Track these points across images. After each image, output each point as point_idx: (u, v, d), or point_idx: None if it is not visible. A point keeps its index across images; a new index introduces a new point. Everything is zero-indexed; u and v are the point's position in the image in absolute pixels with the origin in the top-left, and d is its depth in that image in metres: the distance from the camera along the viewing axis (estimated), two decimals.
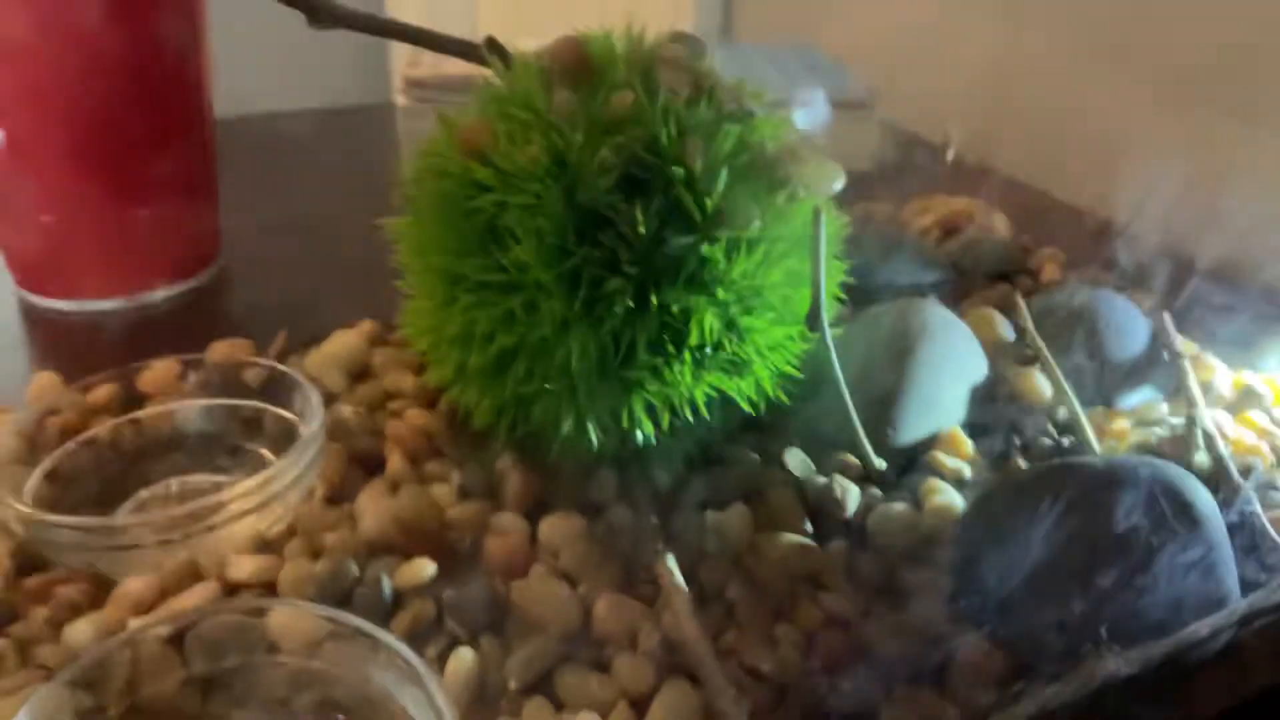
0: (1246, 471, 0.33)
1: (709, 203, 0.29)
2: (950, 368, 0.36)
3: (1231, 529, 0.29)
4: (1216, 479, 0.32)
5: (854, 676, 0.26)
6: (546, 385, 0.29)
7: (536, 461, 0.32)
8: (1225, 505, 0.31)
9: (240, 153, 0.55)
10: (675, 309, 0.29)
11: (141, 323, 0.45)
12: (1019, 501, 0.29)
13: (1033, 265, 0.47)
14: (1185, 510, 0.26)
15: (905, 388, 0.34)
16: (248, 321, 0.44)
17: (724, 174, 0.29)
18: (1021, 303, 0.40)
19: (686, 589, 0.28)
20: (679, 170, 0.29)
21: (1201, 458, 0.33)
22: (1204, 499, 0.27)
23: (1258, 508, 0.31)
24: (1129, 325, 0.40)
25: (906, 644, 0.27)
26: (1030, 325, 0.39)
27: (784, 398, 0.32)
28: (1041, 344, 0.38)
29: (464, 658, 0.26)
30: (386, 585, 0.28)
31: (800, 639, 0.27)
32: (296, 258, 0.52)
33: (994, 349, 0.38)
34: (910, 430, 0.34)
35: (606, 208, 0.29)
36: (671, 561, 0.29)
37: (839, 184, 0.32)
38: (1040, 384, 0.36)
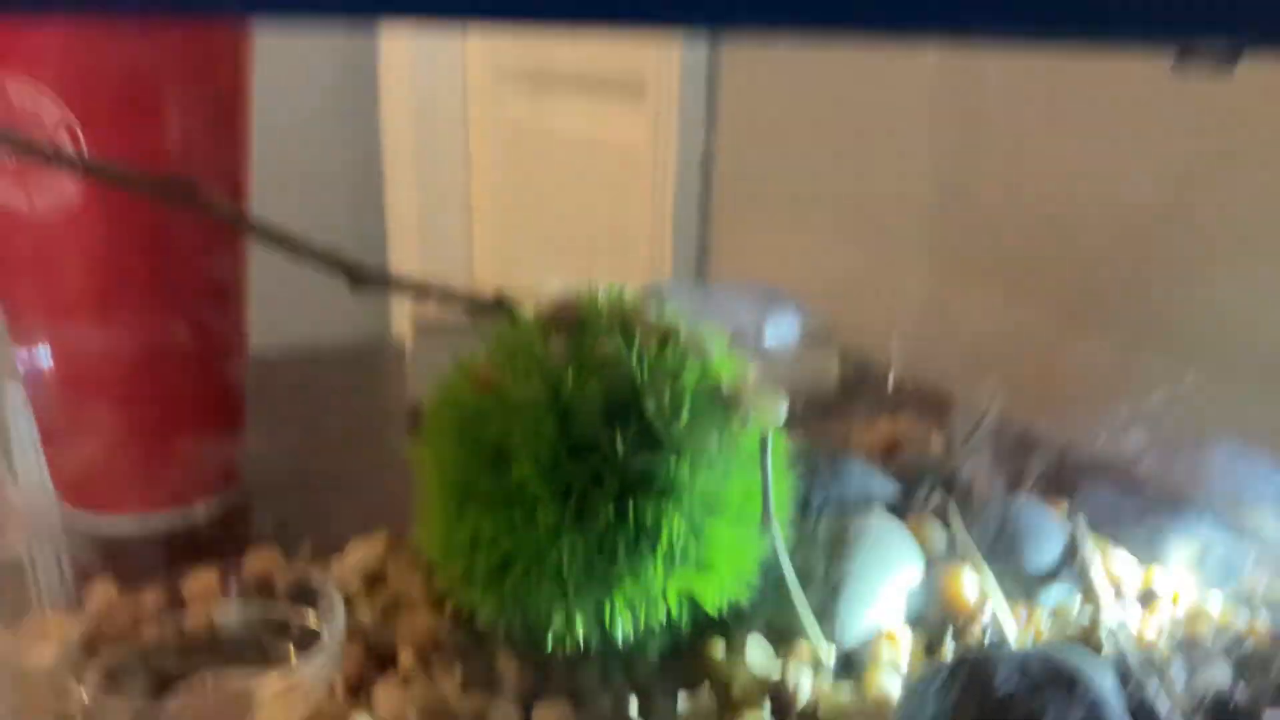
0: (1149, 661, 0.38)
1: (675, 429, 0.36)
2: (891, 568, 0.41)
3: (1133, 715, 0.34)
4: (1122, 668, 0.37)
5: None
6: (540, 585, 0.35)
7: (531, 653, 0.37)
8: (1131, 694, 0.35)
9: (259, 384, 0.62)
10: (649, 517, 0.35)
11: (184, 535, 0.50)
12: (954, 692, 0.34)
13: (967, 480, 0.53)
14: (1065, 680, 0.31)
15: (851, 585, 0.40)
16: (278, 532, 0.49)
17: (687, 405, 0.36)
18: (954, 512, 0.46)
19: None
20: (650, 403, 0.36)
21: (1109, 648, 0.38)
22: (1091, 672, 0.32)
23: (1156, 695, 0.35)
24: (1048, 529, 0.46)
25: None
26: (961, 531, 0.45)
27: (744, 594, 0.38)
28: (971, 547, 0.44)
29: None
30: None
31: None
32: (317, 476, 0.58)
33: (930, 552, 0.44)
34: (856, 623, 0.39)
35: (592, 434, 0.35)
36: None
37: (783, 413, 0.39)
38: (969, 583, 0.42)
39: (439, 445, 0.38)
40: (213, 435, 0.53)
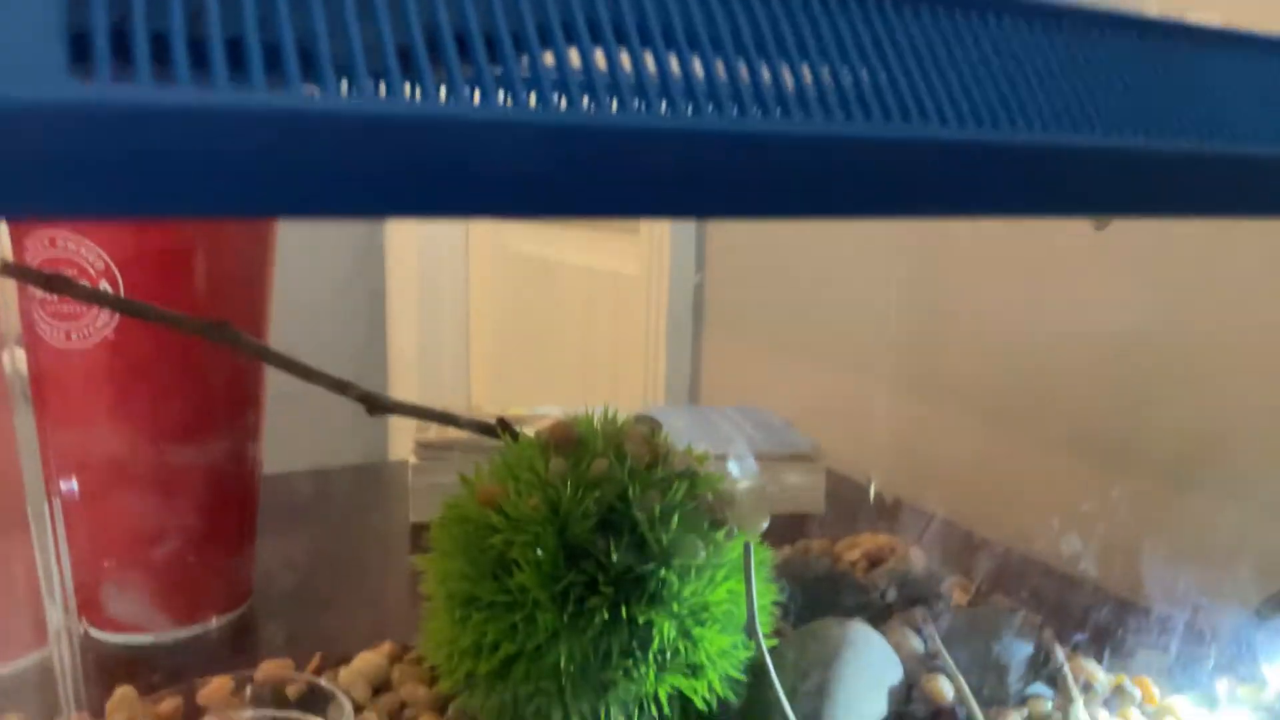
0: None
1: (664, 539, 0.39)
2: (871, 674, 0.44)
3: None
4: None
5: None
6: (541, 685, 0.37)
7: None
8: None
9: (270, 501, 0.65)
10: (641, 620, 0.38)
11: (198, 646, 0.52)
12: None
13: (943, 591, 0.56)
14: None
15: (834, 689, 0.42)
16: (288, 644, 0.52)
17: (676, 518, 0.40)
18: (930, 622, 0.49)
19: None
20: (642, 516, 0.39)
21: None
22: None
23: None
24: (1020, 638, 0.48)
25: None
26: (938, 640, 0.47)
27: (732, 696, 0.40)
28: (946, 655, 0.46)
29: None
30: None
31: None
32: (323, 590, 0.60)
33: (908, 659, 0.46)
34: None
35: (589, 544, 0.38)
36: None
37: (764, 524, 0.42)
38: (945, 687, 0.44)
39: (444, 556, 0.41)
40: (229, 555, 0.56)
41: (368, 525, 0.74)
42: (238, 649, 0.52)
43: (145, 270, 0.50)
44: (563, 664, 0.37)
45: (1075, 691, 0.44)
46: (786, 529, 0.64)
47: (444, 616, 0.41)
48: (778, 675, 0.40)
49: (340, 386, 0.46)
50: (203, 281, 0.52)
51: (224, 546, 0.55)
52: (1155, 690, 0.46)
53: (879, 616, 0.51)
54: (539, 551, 0.38)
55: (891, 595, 0.53)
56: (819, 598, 0.52)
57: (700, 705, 0.39)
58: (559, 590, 0.38)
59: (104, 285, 0.49)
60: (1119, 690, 0.45)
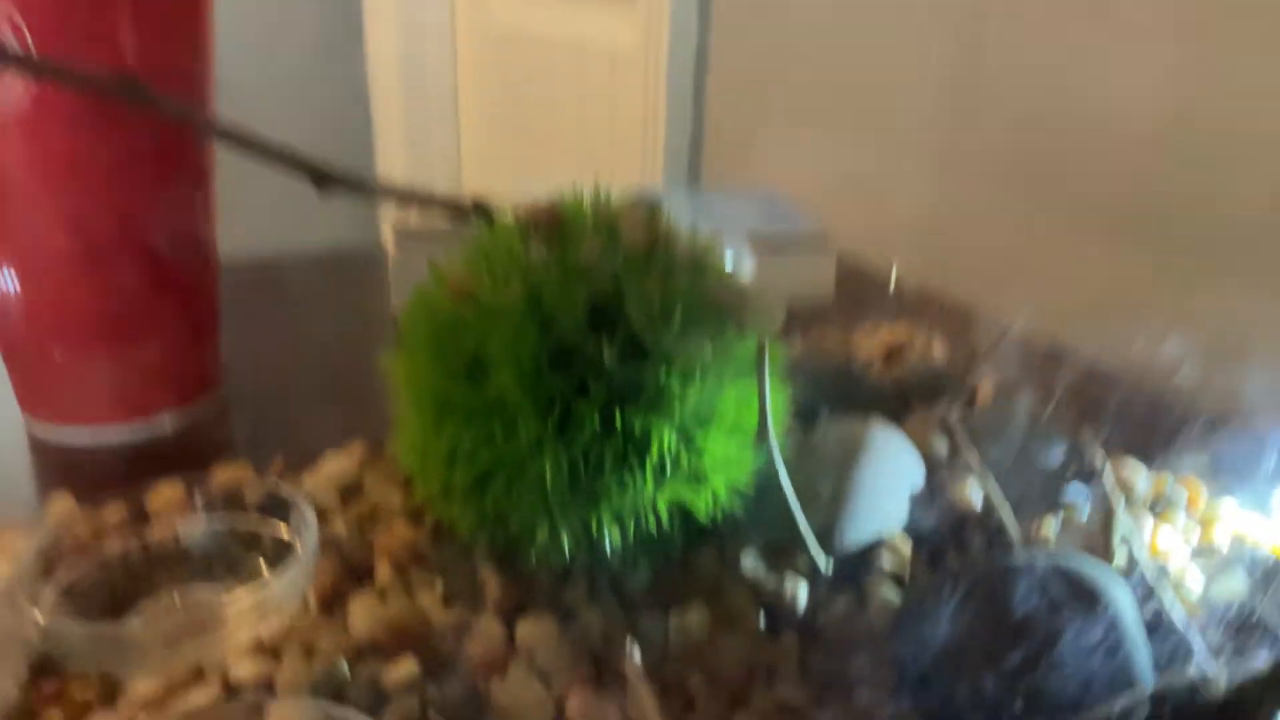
0: (1163, 572, 0.36)
1: (665, 337, 0.33)
2: (892, 477, 0.39)
3: (1149, 626, 0.33)
4: (1136, 579, 0.36)
5: None
6: (522, 499, 0.33)
7: (514, 569, 0.36)
8: (1142, 602, 0.34)
9: (241, 292, 0.59)
10: (637, 429, 0.33)
11: (149, 447, 0.48)
12: (940, 596, 0.33)
13: (968, 385, 0.51)
14: (1084, 595, 0.29)
15: (851, 495, 0.38)
16: (249, 445, 0.47)
17: (678, 312, 0.34)
18: (956, 419, 0.44)
19: (651, 683, 0.31)
20: (639, 310, 0.33)
21: (1119, 557, 0.37)
22: (1109, 586, 0.31)
23: (1168, 604, 0.34)
24: (1054, 437, 0.44)
25: None
26: (964, 438, 0.43)
27: (738, 506, 0.36)
28: (974, 455, 0.42)
29: None
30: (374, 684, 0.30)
31: None
32: (293, 387, 0.56)
33: (932, 461, 0.42)
34: (855, 535, 0.37)
35: (577, 342, 0.33)
36: (637, 657, 0.31)
37: (779, 319, 0.36)
38: (972, 491, 0.40)
39: (414, 355, 0.36)
40: (180, 343, 0.50)
41: (349, 317, 0.69)
42: (194, 451, 0.48)
43: (54, 22, 0.41)
44: (548, 477, 0.32)
45: (1115, 495, 0.40)
46: (795, 322, 0.59)
47: (415, 421, 0.36)
48: (789, 483, 0.36)
49: (284, 157, 0.39)
50: (125, 32, 0.43)
51: (176, 335, 0.50)
52: (1203, 494, 0.42)
53: (899, 415, 0.46)
54: (519, 351, 0.33)
55: (913, 392, 0.49)
56: (833, 396, 0.47)
57: (703, 516, 0.35)
58: (543, 395, 0.33)
59: (8, 38, 0.41)
60: (1162, 494, 0.42)
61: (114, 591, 0.36)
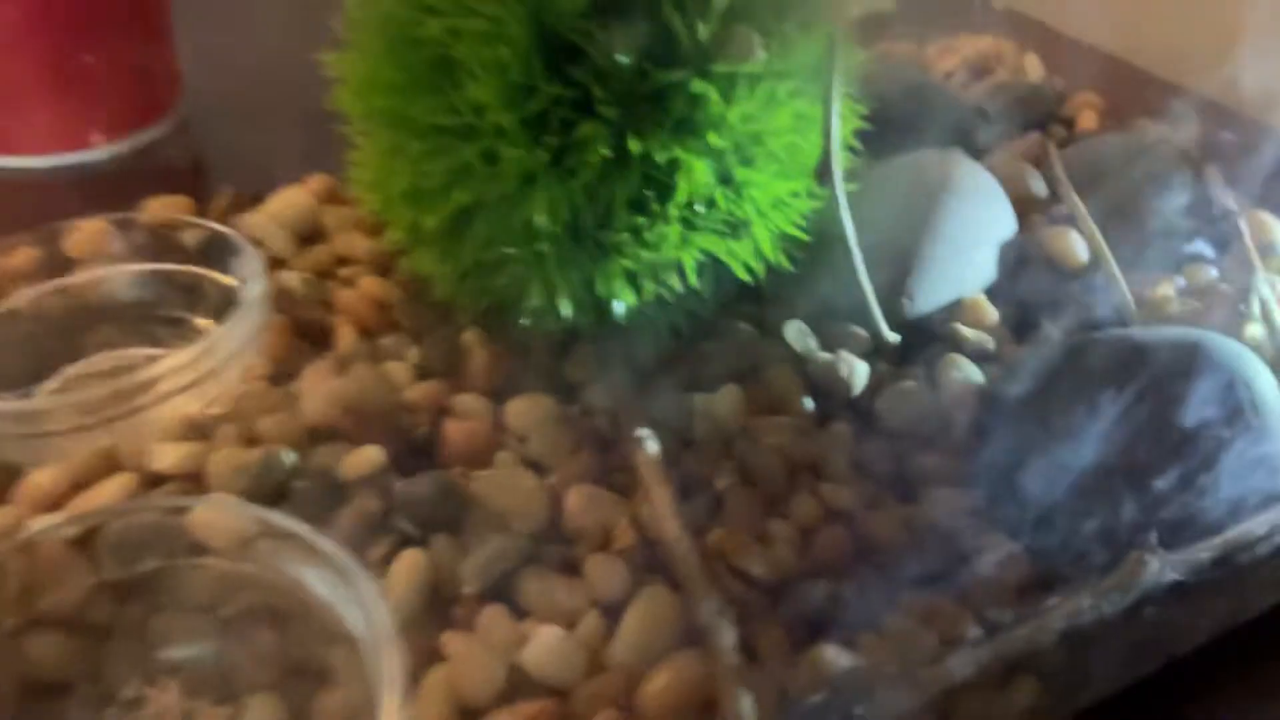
0: None
1: (703, 29, 0.24)
2: (974, 228, 0.31)
3: None
4: (1274, 355, 0.29)
5: (857, 580, 0.23)
6: (508, 250, 0.25)
7: (505, 336, 0.29)
8: None
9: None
10: (661, 159, 0.25)
11: (82, 180, 0.41)
12: (1055, 383, 0.26)
13: (1068, 113, 0.42)
14: (1254, 399, 0.22)
15: (924, 250, 0.30)
16: (197, 178, 0.40)
17: None
18: (1054, 153, 0.36)
19: (668, 479, 0.25)
20: None
21: (1256, 330, 0.30)
22: (1268, 383, 0.24)
23: None
24: (1174, 179, 0.35)
25: (918, 543, 0.24)
26: (1064, 178, 0.35)
27: (786, 262, 0.28)
28: (1076, 199, 0.34)
29: (412, 560, 0.23)
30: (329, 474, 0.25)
31: (797, 536, 0.24)
32: (258, 105, 0.46)
33: (1024, 205, 0.34)
34: (928, 298, 0.30)
35: (579, 35, 0.24)
36: (652, 447, 0.25)
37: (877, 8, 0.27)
38: (1074, 245, 0.32)
39: (364, 54, 0.27)
40: (120, 52, 0.41)
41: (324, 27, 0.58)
42: (134, 185, 0.39)
43: None
44: (542, 222, 0.25)
45: (1251, 252, 0.32)
46: (857, 29, 0.48)
47: (371, 144, 0.28)
48: (854, 233, 0.28)
49: None
50: None
51: (115, 41, 0.41)
52: None
53: (985, 147, 0.38)
54: (500, 48, 0.24)
55: (1003, 115, 0.39)
56: (904, 121, 0.38)
57: (741, 273, 0.28)
58: (533, 111, 0.24)
59: None
60: None
61: (25, 355, 0.30)
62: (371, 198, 0.28)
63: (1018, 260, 0.32)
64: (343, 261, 0.32)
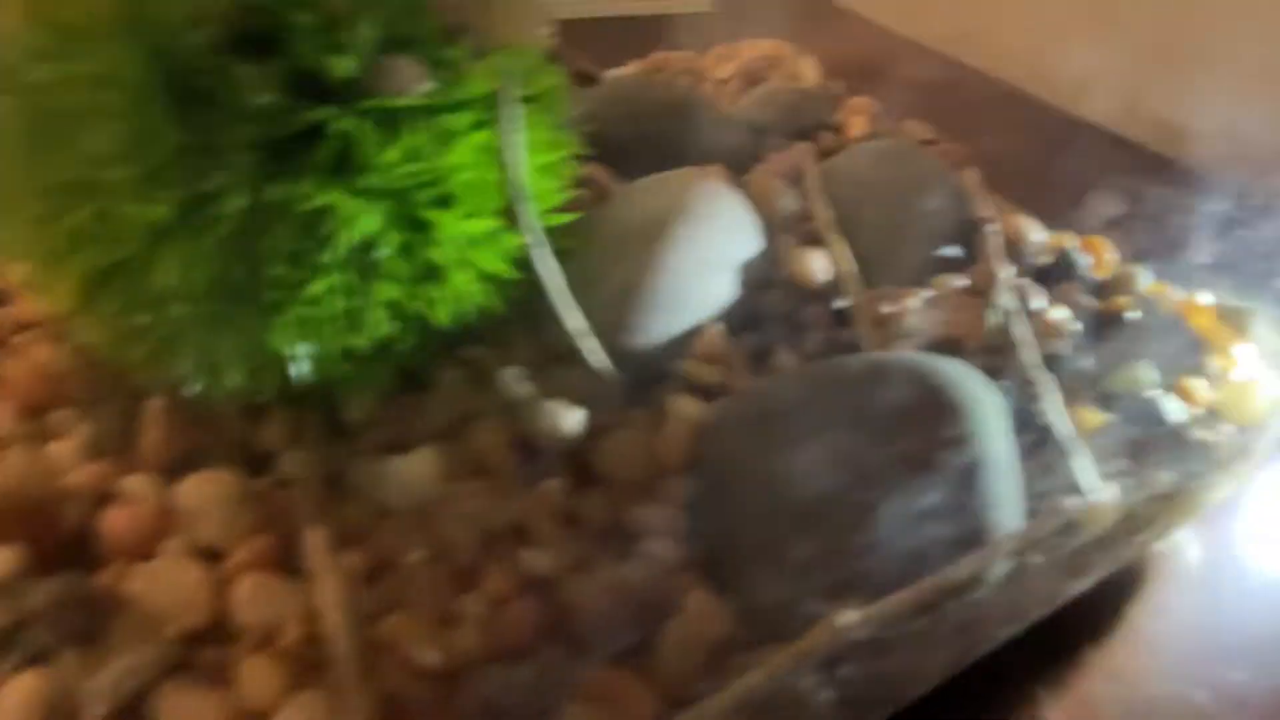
0: (1052, 358, 0.28)
1: (347, 62, 0.22)
2: (709, 252, 0.30)
3: (1025, 423, 0.25)
4: (1012, 367, 0.28)
5: (543, 659, 0.21)
6: (142, 317, 0.22)
7: (191, 405, 0.26)
8: (1022, 399, 0.26)
9: None
10: (310, 206, 0.22)
11: None
12: (774, 419, 0.24)
13: (839, 119, 0.41)
14: (941, 413, 0.21)
15: (651, 280, 0.28)
16: None
17: (375, 20, 0.22)
18: (811, 165, 0.34)
19: (343, 563, 0.22)
20: (308, 17, 0.22)
21: (1000, 336, 0.29)
22: (972, 397, 0.23)
23: (1051, 407, 0.26)
24: (933, 186, 0.34)
25: (618, 608, 0.22)
26: (815, 191, 0.33)
27: (499, 305, 0.26)
28: (825, 214, 0.33)
29: (27, 684, 0.20)
30: None
31: (487, 613, 0.22)
32: None
33: (775, 224, 0.32)
34: (656, 331, 0.28)
35: (208, 74, 0.22)
36: (318, 529, 0.23)
37: (541, 29, 0.25)
38: (813, 264, 0.31)
39: None
40: None
41: None
42: None
43: None
44: (176, 283, 0.22)
45: (996, 261, 0.31)
46: (643, 34, 0.46)
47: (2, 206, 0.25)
48: (556, 269, 0.26)
49: None
50: None
51: None
52: (1112, 256, 0.33)
53: (747, 160, 0.36)
54: (113, 93, 0.21)
55: (770, 127, 0.38)
56: (664, 141, 0.36)
57: (443, 320, 0.25)
58: (155, 162, 0.21)
59: None
60: (1061, 256, 0.33)
61: None
62: (16, 262, 0.25)
63: (758, 283, 0.30)
64: (24, 327, 0.29)
